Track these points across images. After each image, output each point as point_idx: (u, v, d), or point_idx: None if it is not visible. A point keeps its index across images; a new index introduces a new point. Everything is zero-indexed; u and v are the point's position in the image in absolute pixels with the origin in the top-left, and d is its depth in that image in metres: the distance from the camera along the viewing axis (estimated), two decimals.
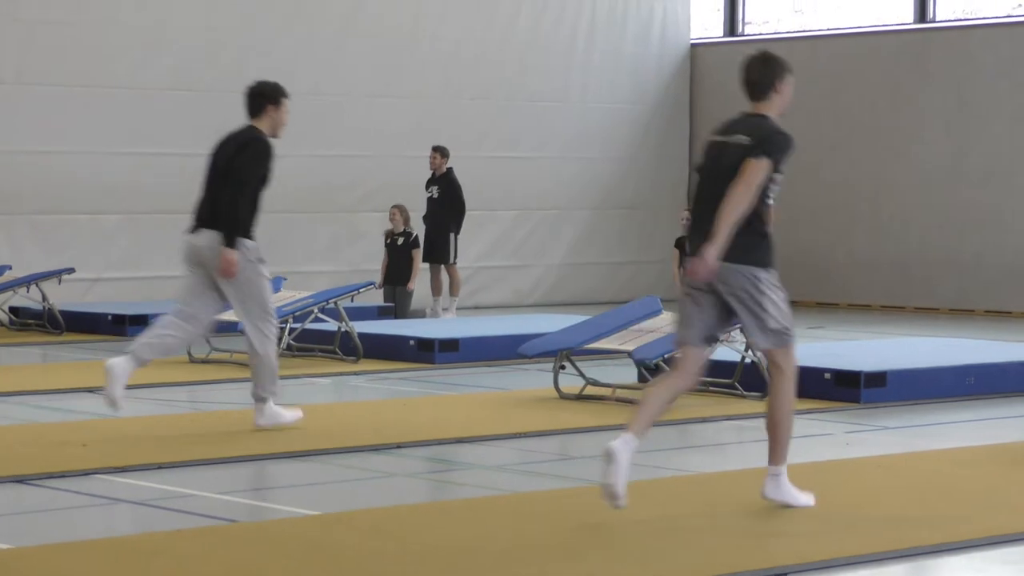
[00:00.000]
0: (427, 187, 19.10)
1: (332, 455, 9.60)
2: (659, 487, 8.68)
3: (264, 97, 10.33)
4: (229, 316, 10.89)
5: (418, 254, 18.72)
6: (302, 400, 12.39)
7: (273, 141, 10.28)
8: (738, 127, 7.97)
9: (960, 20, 22.25)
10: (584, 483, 8.59)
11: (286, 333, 14.21)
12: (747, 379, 12.13)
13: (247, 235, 10.04)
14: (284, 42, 20.09)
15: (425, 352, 14.53)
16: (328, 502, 8.31)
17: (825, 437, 10.78)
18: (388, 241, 18.80)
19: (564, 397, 11.99)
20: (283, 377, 13.52)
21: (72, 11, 18.80)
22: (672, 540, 7.28)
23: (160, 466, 8.98)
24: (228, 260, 9.92)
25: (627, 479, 7.36)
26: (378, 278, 18.42)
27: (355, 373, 13.90)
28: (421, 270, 18.76)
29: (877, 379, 12.24)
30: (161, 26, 19.32)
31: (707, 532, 7.46)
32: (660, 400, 7.73)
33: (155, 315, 13.08)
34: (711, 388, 12.11)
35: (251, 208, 10.07)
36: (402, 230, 18.66)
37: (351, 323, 14.57)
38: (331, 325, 14.68)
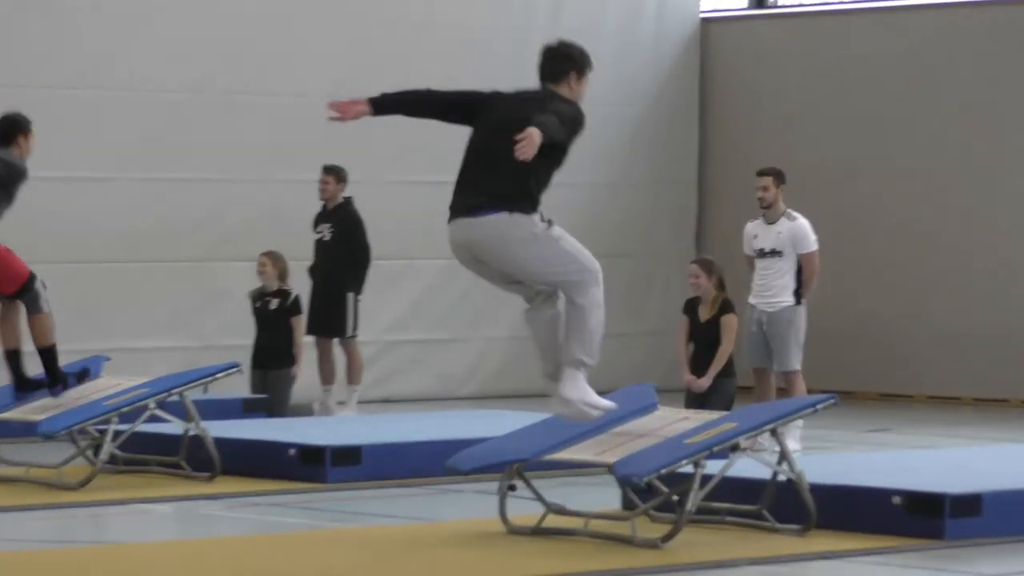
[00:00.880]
0: (315, 225, 19.08)
1: None
2: None
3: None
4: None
5: (300, 323, 18.63)
6: (131, 536, 12.34)
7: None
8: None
9: None
10: None
11: (108, 439, 14.16)
12: (779, 505, 12.10)
13: None
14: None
15: (312, 466, 14.50)
16: None
17: None
18: (257, 305, 18.71)
19: (513, 531, 11.97)
20: (103, 503, 13.50)
21: None
22: None
23: None
24: None
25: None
26: (244, 358, 18.27)
27: (209, 496, 13.86)
28: (305, 346, 18.72)
29: (968, 505, 12.07)
30: None
31: None
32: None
33: None
34: (729, 518, 12.12)
35: None
36: (276, 288, 18.57)
37: (203, 424, 14.53)
38: (175, 427, 14.63)
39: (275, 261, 18.53)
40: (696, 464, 11.86)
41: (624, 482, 12.11)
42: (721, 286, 17.12)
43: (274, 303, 18.52)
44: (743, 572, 11.24)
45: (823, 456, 16.14)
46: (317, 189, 19.15)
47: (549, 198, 22.33)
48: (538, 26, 22.64)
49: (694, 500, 11.74)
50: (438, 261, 22.09)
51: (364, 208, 19.09)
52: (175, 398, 14.51)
